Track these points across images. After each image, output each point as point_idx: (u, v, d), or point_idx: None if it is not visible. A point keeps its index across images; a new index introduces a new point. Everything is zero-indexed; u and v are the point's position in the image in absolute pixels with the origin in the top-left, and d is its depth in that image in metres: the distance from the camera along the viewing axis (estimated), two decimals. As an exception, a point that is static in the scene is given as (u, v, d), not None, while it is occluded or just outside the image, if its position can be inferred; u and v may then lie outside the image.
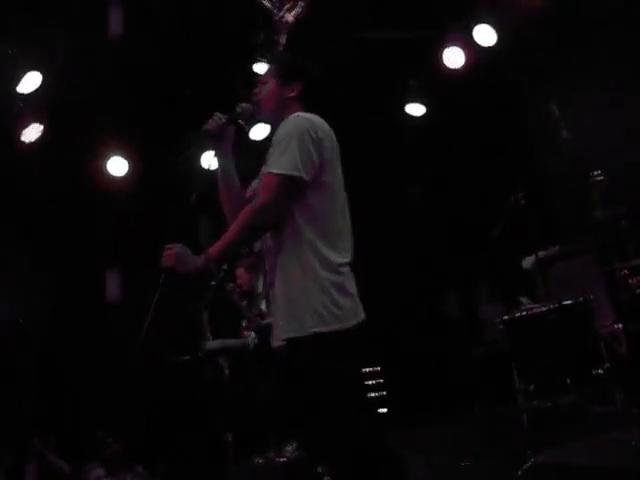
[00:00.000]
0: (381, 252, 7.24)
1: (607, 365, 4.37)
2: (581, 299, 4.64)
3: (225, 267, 4.89)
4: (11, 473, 5.29)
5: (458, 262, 7.57)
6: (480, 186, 7.24)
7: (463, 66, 6.65)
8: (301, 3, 5.47)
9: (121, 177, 6.76)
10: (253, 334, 5.41)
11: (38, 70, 5.53)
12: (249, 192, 2.78)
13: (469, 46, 6.53)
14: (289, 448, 5.14)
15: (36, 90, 5.59)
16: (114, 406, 6.22)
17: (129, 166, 6.76)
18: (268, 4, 5.45)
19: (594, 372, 4.39)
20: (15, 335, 6.03)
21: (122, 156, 6.73)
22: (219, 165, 2.79)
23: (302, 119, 2.54)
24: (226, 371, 5.62)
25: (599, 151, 5.73)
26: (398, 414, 6.76)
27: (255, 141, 6.32)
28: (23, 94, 5.60)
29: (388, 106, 7.41)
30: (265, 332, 5.16)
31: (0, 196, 6.04)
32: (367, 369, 7.02)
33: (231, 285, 5.50)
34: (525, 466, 3.89)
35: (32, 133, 5.92)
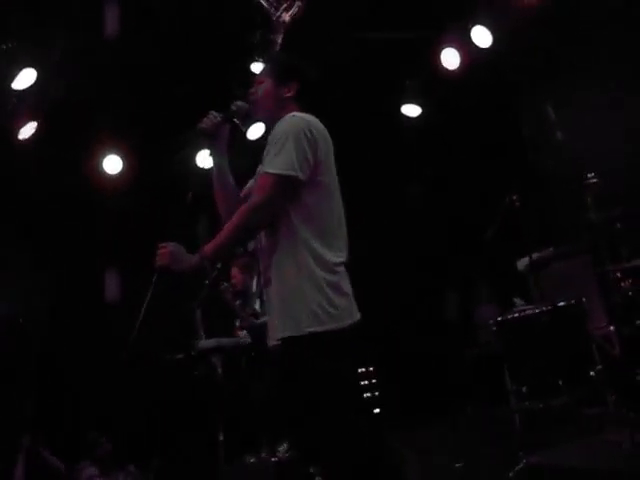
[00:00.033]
0: (377, 252, 7.26)
1: (599, 367, 4.38)
2: (574, 301, 4.65)
3: (219, 266, 4.89)
4: (5, 472, 5.27)
5: (455, 263, 7.58)
6: (477, 186, 7.25)
7: (460, 67, 6.66)
8: (298, 3, 5.47)
9: (116, 175, 6.75)
10: (245, 333, 5.42)
11: (33, 67, 5.51)
12: (244, 191, 2.79)
13: (466, 47, 6.53)
14: (281, 448, 5.14)
15: (31, 87, 5.57)
16: (107, 405, 6.21)
17: (124, 164, 6.75)
18: (265, 4, 5.45)
19: (586, 374, 4.40)
20: (15, 335, 6.02)
21: (117, 154, 6.72)
22: (214, 163, 2.79)
23: (298, 119, 2.55)
24: (219, 370, 5.61)
25: (599, 151, 5.74)
26: (391, 415, 6.76)
27: (250, 140, 6.33)
28: (18, 90, 5.58)
29: (386, 106, 7.41)
30: (259, 331, 5.17)
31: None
32: (360, 369, 7.02)
33: (225, 284, 5.50)
34: (517, 467, 3.90)
35: (27, 130, 5.91)
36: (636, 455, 3.57)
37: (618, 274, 4.53)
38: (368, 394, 7.14)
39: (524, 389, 4.59)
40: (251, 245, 2.72)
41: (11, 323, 5.98)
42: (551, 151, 6.48)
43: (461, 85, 6.82)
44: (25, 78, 5.52)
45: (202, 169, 5.95)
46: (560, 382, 4.42)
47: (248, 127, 5.52)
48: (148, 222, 6.23)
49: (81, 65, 5.73)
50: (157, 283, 2.52)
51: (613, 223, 4.67)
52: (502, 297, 6.26)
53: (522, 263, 5.42)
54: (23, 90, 5.59)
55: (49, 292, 6.45)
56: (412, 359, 7.32)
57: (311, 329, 2.38)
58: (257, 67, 6.09)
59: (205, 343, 5.58)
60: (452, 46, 6.63)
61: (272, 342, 2.51)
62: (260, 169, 2.67)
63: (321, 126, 2.58)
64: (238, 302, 5.55)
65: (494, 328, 4.96)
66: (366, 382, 7.16)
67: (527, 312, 4.84)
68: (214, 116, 2.74)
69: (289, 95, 2.71)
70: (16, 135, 5.86)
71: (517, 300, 5.49)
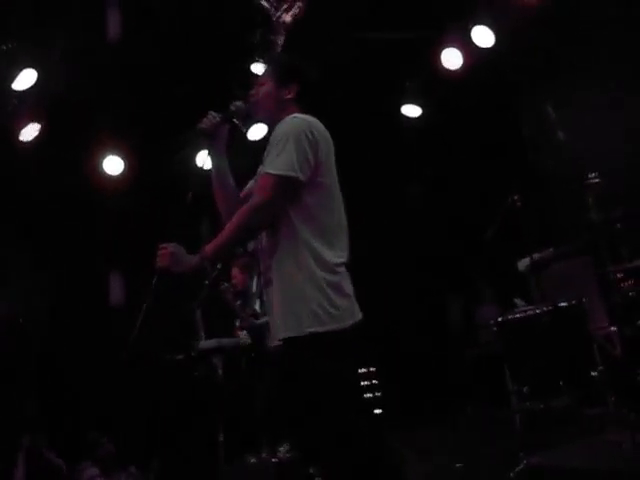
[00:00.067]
0: (378, 252, 7.26)
1: (600, 368, 4.37)
2: (575, 301, 4.65)
3: (219, 266, 4.89)
4: (5, 472, 5.27)
5: (455, 263, 7.58)
6: (477, 187, 7.25)
7: (461, 67, 6.66)
8: (299, 3, 5.47)
9: (116, 176, 6.75)
10: (245, 334, 5.42)
11: (34, 67, 5.51)
12: (244, 192, 2.79)
13: (467, 47, 6.53)
14: (282, 448, 5.15)
15: (31, 87, 5.57)
16: (108, 406, 6.21)
17: (125, 165, 6.75)
18: (266, 4, 5.45)
19: (587, 374, 4.39)
20: (15, 335, 6.02)
21: (117, 154, 6.72)
22: (213, 164, 2.79)
23: (299, 120, 2.55)
24: (220, 370, 5.61)
25: (599, 151, 5.74)
26: (392, 415, 6.76)
27: (250, 141, 6.33)
28: (18, 91, 5.58)
29: (386, 107, 7.41)
30: (259, 332, 5.17)
31: (-3, 195, 6.04)
32: (362, 370, 7.02)
33: (225, 285, 5.50)
34: (517, 468, 3.90)
35: (29, 132, 5.91)
36: (637, 456, 3.56)
37: (619, 274, 4.52)
38: (369, 394, 7.14)
39: (525, 389, 4.59)
40: (251, 245, 2.72)
41: (11, 323, 5.98)
42: (551, 151, 6.48)
43: (461, 85, 6.81)
44: (25, 79, 5.52)
45: (202, 169, 5.95)
46: (561, 382, 4.41)
47: (248, 127, 5.52)
48: (148, 222, 6.23)
49: (81, 65, 5.74)
50: (157, 284, 2.52)
51: (614, 223, 4.67)
52: (503, 297, 6.25)
53: (523, 263, 5.41)
54: (23, 91, 5.59)
55: (49, 292, 6.45)
56: (413, 359, 7.32)
57: (312, 329, 2.38)
58: (257, 68, 6.09)
59: (205, 343, 5.58)
60: (453, 46, 6.63)
61: (273, 342, 2.51)
62: (261, 170, 2.67)
63: (322, 127, 2.58)
64: (238, 302, 5.55)
65: (495, 328, 4.96)
66: (367, 382, 7.16)
67: (528, 312, 4.84)
68: (213, 116, 2.74)
69: (290, 97, 2.71)
70: (17, 136, 5.87)
71: (518, 300, 5.48)
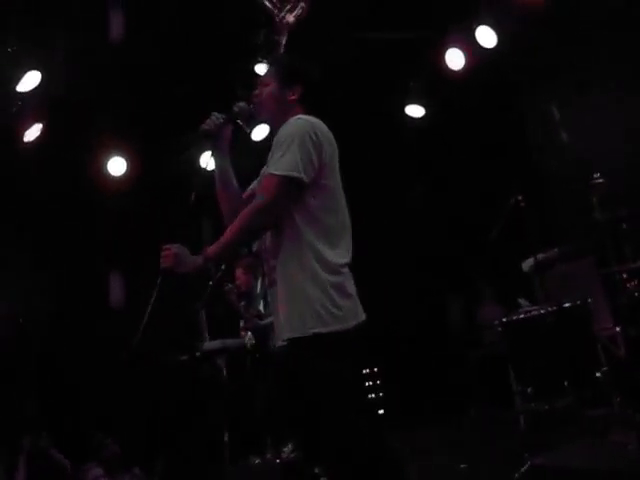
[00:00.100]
0: (381, 252, 7.24)
1: (605, 368, 4.36)
2: (579, 302, 4.64)
3: (224, 267, 4.89)
4: (6, 473, 5.29)
5: (459, 263, 7.57)
6: (481, 187, 7.24)
7: (464, 67, 6.65)
8: (302, 4, 5.46)
9: (119, 176, 6.76)
10: (250, 334, 5.41)
11: (38, 69, 5.52)
12: (247, 193, 2.79)
13: (470, 47, 6.52)
14: (286, 449, 5.15)
15: (35, 89, 5.58)
16: (113, 407, 6.22)
17: (128, 166, 6.75)
18: (269, 4, 5.44)
19: (592, 375, 4.38)
20: (15, 335, 6.03)
21: (120, 155, 6.72)
22: (216, 165, 2.80)
23: (303, 121, 2.55)
24: (224, 371, 5.62)
25: (599, 151, 5.73)
26: (396, 415, 6.76)
27: (254, 142, 6.33)
28: (22, 93, 5.59)
29: (390, 107, 7.41)
30: (263, 333, 5.17)
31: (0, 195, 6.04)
32: (365, 370, 7.02)
33: (229, 285, 5.50)
34: (522, 468, 3.89)
35: (31, 132, 5.92)
36: (642, 456, 3.55)
37: (624, 275, 4.52)
38: (372, 395, 7.14)
39: (529, 390, 4.58)
40: (255, 246, 2.72)
41: (11, 323, 6.00)
42: (555, 151, 6.47)
43: (464, 86, 6.81)
44: (29, 80, 5.54)
45: (205, 170, 5.95)
46: (565, 383, 4.41)
47: (251, 128, 5.51)
48: (151, 223, 6.24)
49: (84, 66, 5.74)
50: (161, 285, 2.52)
51: (618, 223, 4.66)
52: (507, 298, 6.25)
53: (527, 264, 5.40)
54: (27, 92, 5.60)
55: (50, 293, 6.46)
56: (416, 360, 7.31)
57: (315, 330, 2.38)
58: (260, 68, 6.09)
59: (210, 344, 5.59)
60: (456, 46, 6.62)
61: (277, 343, 2.51)
62: (264, 171, 2.67)
63: (326, 129, 2.59)
64: (242, 303, 5.55)
65: (499, 329, 4.96)
66: (370, 383, 7.15)
67: (532, 313, 4.83)
68: (217, 117, 2.74)
69: (293, 98, 2.71)
70: (20, 137, 5.88)
71: (522, 301, 5.48)
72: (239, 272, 5.73)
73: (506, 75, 7.09)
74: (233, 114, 2.77)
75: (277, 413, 4.89)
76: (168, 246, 2.49)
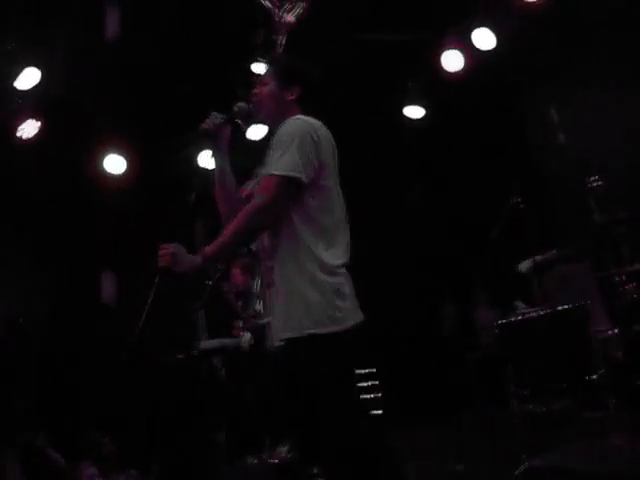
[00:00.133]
0: (379, 253, 7.25)
1: (601, 371, 4.37)
2: (576, 304, 4.65)
3: (222, 267, 4.89)
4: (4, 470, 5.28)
5: (457, 264, 7.57)
6: (480, 188, 7.24)
7: (462, 69, 6.66)
8: (302, 4, 5.46)
9: (118, 175, 6.75)
10: (249, 334, 5.41)
11: (36, 67, 5.52)
12: (245, 193, 2.78)
13: (468, 49, 6.53)
14: (283, 449, 5.14)
15: (34, 87, 5.57)
16: (109, 405, 6.21)
17: (127, 164, 6.74)
18: (268, 4, 5.44)
19: (588, 377, 4.39)
20: (15, 335, 6.02)
21: (119, 154, 6.71)
22: (216, 164, 2.80)
23: (302, 122, 2.56)
24: (221, 371, 5.61)
25: (599, 151, 5.73)
26: (393, 416, 6.75)
27: (252, 141, 6.33)
28: (21, 90, 5.58)
29: (388, 107, 7.41)
30: (260, 332, 5.17)
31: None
32: (363, 371, 7.01)
33: (227, 285, 5.50)
34: (519, 470, 3.89)
35: (29, 130, 5.91)
36: (637, 459, 3.56)
37: (621, 277, 4.52)
38: (370, 395, 7.13)
39: (526, 392, 4.59)
40: (253, 246, 2.72)
41: (11, 323, 5.99)
42: (554, 153, 6.48)
43: (464, 87, 6.81)
44: (27, 78, 5.53)
45: (204, 169, 5.95)
46: (562, 385, 4.41)
47: (248, 127, 5.50)
48: (150, 222, 6.24)
49: (83, 65, 5.74)
50: (159, 284, 2.52)
51: (616, 226, 4.66)
52: (504, 299, 6.25)
53: (524, 265, 5.41)
54: (25, 90, 5.59)
55: (49, 292, 6.45)
56: (413, 361, 7.31)
57: (312, 331, 2.38)
58: (259, 68, 6.09)
59: (207, 344, 5.58)
60: (454, 48, 6.63)
61: (275, 343, 2.51)
62: (262, 171, 2.67)
63: (325, 130, 2.59)
64: (240, 303, 5.55)
65: (496, 331, 4.96)
66: (368, 384, 7.15)
67: (529, 315, 4.83)
68: (216, 117, 2.74)
69: (292, 98, 2.71)
70: (19, 134, 5.87)
71: (519, 303, 5.48)
72: (236, 272, 5.73)
73: (505, 76, 7.09)
74: (233, 114, 2.77)
75: (274, 413, 4.89)
76: (166, 245, 2.49)
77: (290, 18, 5.33)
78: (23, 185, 6.18)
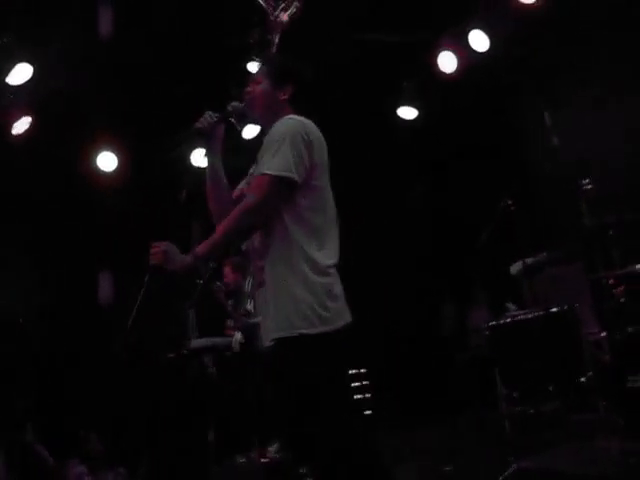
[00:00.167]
0: (371, 254, 7.25)
1: (590, 373, 4.39)
2: (566, 307, 4.67)
3: (213, 265, 4.88)
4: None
5: (449, 266, 7.59)
6: (472, 190, 7.25)
7: (456, 70, 6.67)
8: (296, 3, 5.45)
9: (110, 173, 6.72)
10: (239, 334, 5.39)
11: (28, 62, 5.49)
12: (236, 192, 2.78)
13: (463, 50, 6.54)
14: (272, 448, 5.14)
15: (27, 83, 5.55)
16: (97, 404, 6.19)
17: (118, 162, 6.72)
18: (263, 3, 5.43)
19: (577, 380, 4.40)
20: (15, 335, 5.99)
21: (111, 151, 6.69)
22: (208, 163, 2.79)
23: (295, 121, 2.56)
24: (211, 370, 5.60)
25: (599, 151, 5.74)
26: (382, 417, 6.76)
27: (244, 141, 6.31)
28: (13, 86, 5.56)
29: (383, 108, 7.41)
30: (251, 331, 5.16)
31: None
32: (352, 371, 7.01)
33: (218, 284, 5.49)
34: (507, 472, 3.90)
35: (21, 125, 5.88)
36: (625, 461, 3.58)
37: (611, 280, 4.53)
38: (360, 396, 7.13)
39: (515, 394, 4.60)
40: (243, 245, 2.71)
41: (11, 323, 5.96)
42: (547, 155, 6.49)
43: (458, 88, 6.82)
44: (20, 73, 5.50)
45: (197, 168, 5.94)
46: (551, 387, 4.43)
47: (243, 127, 5.50)
48: (141, 220, 6.22)
49: (76, 63, 5.71)
50: (150, 282, 2.51)
51: (607, 229, 4.68)
52: (495, 301, 6.26)
53: (515, 267, 5.42)
54: (18, 85, 5.56)
55: (40, 290, 6.42)
56: (402, 362, 7.32)
57: (303, 331, 2.38)
58: (254, 67, 6.08)
59: (197, 342, 5.56)
60: (449, 49, 6.65)
61: (266, 343, 2.50)
62: (253, 170, 2.67)
63: (317, 130, 2.59)
64: (230, 302, 5.54)
65: (486, 333, 4.97)
66: (358, 384, 7.15)
67: (520, 317, 4.85)
68: (210, 116, 2.74)
69: (285, 98, 2.71)
70: (9, 131, 5.84)
71: (510, 305, 5.50)
72: (227, 270, 5.72)
73: (501, 77, 7.09)
74: (226, 113, 2.76)
75: (264, 413, 4.88)
76: (158, 243, 2.48)
77: (284, 17, 5.32)
78: (15, 182, 6.14)
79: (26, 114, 5.89)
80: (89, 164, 6.63)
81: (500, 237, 5.00)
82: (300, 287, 2.42)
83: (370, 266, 7.12)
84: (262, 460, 5.06)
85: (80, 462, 5.63)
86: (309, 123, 2.58)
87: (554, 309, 4.69)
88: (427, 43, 6.63)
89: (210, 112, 2.75)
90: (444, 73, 6.72)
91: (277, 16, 5.29)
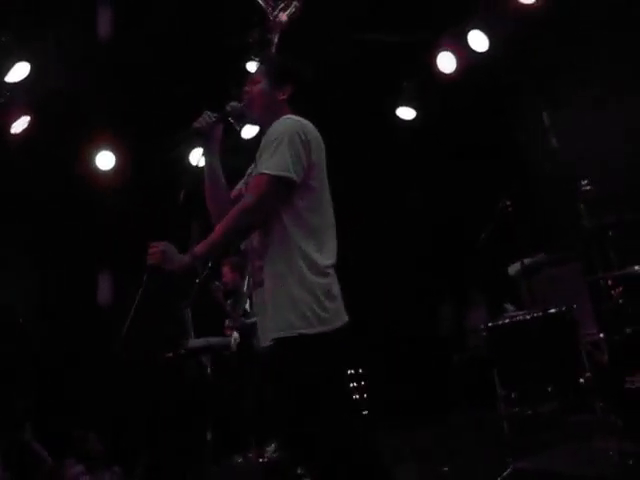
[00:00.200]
0: (369, 254, 7.25)
1: (588, 374, 4.39)
2: (564, 308, 4.67)
3: (211, 265, 4.87)
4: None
5: (448, 266, 7.59)
6: (471, 190, 7.25)
7: (456, 70, 6.67)
8: (295, 3, 5.45)
9: (108, 172, 6.72)
10: (236, 334, 5.39)
11: (27, 61, 5.49)
12: (234, 192, 2.78)
13: (463, 51, 6.54)
14: (269, 448, 5.14)
15: (25, 81, 5.54)
16: (96, 403, 6.18)
17: (116, 161, 6.71)
18: (262, 3, 5.42)
19: (575, 381, 4.41)
20: (15, 335, 5.99)
21: (110, 150, 6.68)
22: (206, 163, 2.79)
23: (293, 121, 2.56)
24: (209, 369, 5.60)
25: (599, 151, 5.74)
26: (379, 417, 6.76)
27: (243, 140, 6.31)
28: (11, 83, 5.55)
29: (382, 108, 7.41)
30: (249, 331, 5.16)
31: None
32: (350, 371, 7.01)
33: (216, 284, 5.48)
34: (504, 472, 3.90)
35: (20, 124, 5.88)
36: (623, 462, 3.58)
37: (609, 281, 4.53)
38: (357, 396, 7.13)
39: (513, 395, 4.60)
40: (242, 245, 2.71)
41: (11, 323, 5.96)
42: (546, 156, 6.49)
43: (457, 88, 6.82)
44: (18, 72, 5.49)
45: (195, 167, 5.94)
46: (549, 388, 4.43)
47: (242, 127, 5.50)
48: (140, 220, 6.21)
49: (75, 61, 5.71)
50: (147, 282, 2.50)
51: (606, 230, 4.68)
52: (493, 302, 6.26)
53: (514, 268, 5.42)
54: (16, 83, 5.56)
55: (40, 290, 6.42)
56: (401, 362, 7.31)
57: (302, 331, 2.38)
58: (253, 66, 6.08)
59: (194, 342, 5.56)
60: (448, 50, 6.65)
61: (264, 343, 2.50)
62: (251, 170, 2.67)
63: (314, 130, 2.59)
64: (229, 302, 5.53)
65: (484, 333, 4.97)
66: (355, 384, 7.15)
67: (517, 318, 4.85)
68: (209, 116, 2.73)
69: (283, 98, 2.72)
70: (8, 129, 5.83)
71: (508, 306, 5.50)
72: (226, 270, 5.72)
73: (500, 77, 7.09)
74: (225, 113, 2.76)
75: (262, 413, 4.88)
76: (156, 243, 2.48)
77: (284, 17, 5.32)
78: (14, 182, 6.13)
79: (25, 113, 5.89)
80: (88, 164, 6.62)
81: (499, 238, 5.00)
82: (299, 287, 2.42)
83: (368, 266, 7.12)
84: (260, 460, 5.06)
85: (78, 461, 5.63)
86: (307, 123, 2.58)
87: (552, 310, 4.70)
88: (426, 43, 6.63)
89: (208, 112, 2.75)
90: (443, 73, 6.72)
91: (276, 16, 5.29)
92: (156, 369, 5.95)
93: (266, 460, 5.04)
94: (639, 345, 4.18)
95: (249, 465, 5.14)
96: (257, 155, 2.58)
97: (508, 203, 5.00)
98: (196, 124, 2.72)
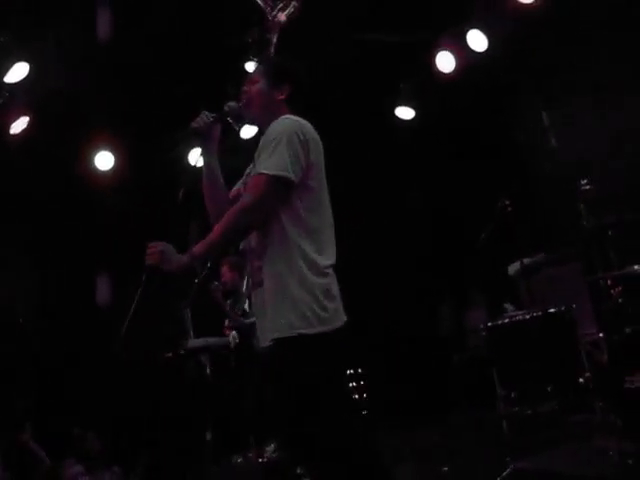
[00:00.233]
0: (368, 255, 7.25)
1: (588, 374, 4.39)
2: (564, 307, 4.67)
3: (210, 265, 4.87)
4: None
5: (447, 266, 7.59)
6: (470, 190, 7.25)
7: (455, 70, 6.68)
8: (294, 3, 5.44)
9: (107, 172, 6.72)
10: (235, 333, 5.39)
11: (26, 61, 5.49)
12: (233, 192, 2.78)
13: (462, 50, 6.55)
14: (269, 448, 5.14)
15: (24, 81, 5.54)
16: (95, 403, 6.19)
17: (115, 161, 6.72)
18: (261, 3, 5.42)
19: (575, 380, 4.40)
20: (15, 335, 5.99)
21: (109, 151, 6.68)
22: (204, 163, 2.78)
23: (291, 121, 2.55)
24: (208, 369, 5.60)
25: (598, 151, 5.74)
26: (379, 417, 6.76)
27: (242, 140, 6.31)
28: (10, 84, 5.55)
29: (382, 107, 7.41)
30: (248, 331, 5.16)
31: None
32: (350, 371, 7.01)
33: (215, 284, 5.48)
34: (504, 472, 3.90)
35: (19, 125, 5.88)
36: (623, 462, 3.58)
37: (609, 281, 4.53)
38: (357, 396, 7.13)
39: (513, 394, 4.60)
40: (241, 245, 2.71)
41: (11, 323, 5.97)
42: (546, 155, 6.49)
43: (456, 88, 6.82)
44: (18, 72, 5.50)
45: (194, 167, 5.94)
46: (549, 388, 4.43)
47: (241, 127, 5.50)
48: (139, 220, 6.21)
49: (75, 62, 5.71)
50: (146, 282, 2.50)
51: (606, 230, 4.68)
52: (493, 302, 6.26)
53: (513, 268, 5.42)
54: (15, 84, 5.56)
55: (40, 290, 6.42)
56: (401, 362, 7.31)
57: (302, 331, 2.38)
58: (251, 67, 6.08)
59: (193, 342, 5.56)
60: (448, 49, 6.65)
61: (263, 343, 2.50)
62: (249, 170, 2.67)
63: (313, 130, 2.58)
64: (228, 302, 5.53)
65: (484, 333, 4.97)
66: (355, 384, 7.15)
67: (517, 318, 4.85)
68: (207, 116, 2.73)
69: (281, 98, 2.71)
70: (7, 130, 5.84)
71: (507, 305, 5.50)
72: (225, 270, 5.71)
73: (499, 77, 7.09)
74: (223, 113, 2.76)
75: (261, 413, 4.88)
76: (154, 243, 2.47)
77: (282, 17, 5.31)
78: (13, 182, 6.13)
79: (24, 114, 5.89)
80: (87, 164, 6.63)
81: (499, 238, 5.00)
82: (298, 287, 2.42)
83: (368, 266, 7.12)
84: (259, 460, 5.05)
85: (77, 461, 5.63)
86: (305, 123, 2.57)
87: (552, 310, 4.69)
88: (425, 43, 6.63)
89: (206, 112, 2.74)
90: (442, 73, 6.72)
91: (275, 16, 5.28)
92: (156, 369, 5.95)
93: (266, 460, 5.04)
94: (639, 345, 4.18)
95: (249, 465, 5.14)
96: (255, 155, 2.57)
97: (508, 203, 5.00)
98: (194, 124, 2.72)
